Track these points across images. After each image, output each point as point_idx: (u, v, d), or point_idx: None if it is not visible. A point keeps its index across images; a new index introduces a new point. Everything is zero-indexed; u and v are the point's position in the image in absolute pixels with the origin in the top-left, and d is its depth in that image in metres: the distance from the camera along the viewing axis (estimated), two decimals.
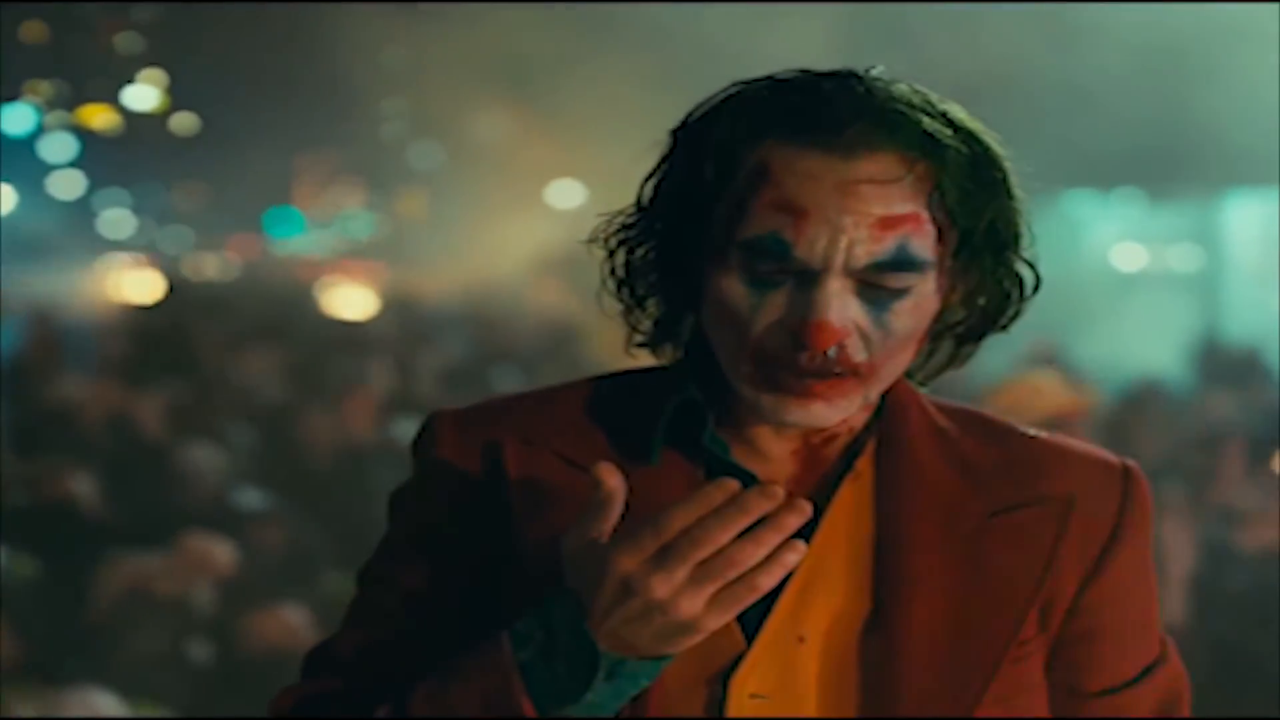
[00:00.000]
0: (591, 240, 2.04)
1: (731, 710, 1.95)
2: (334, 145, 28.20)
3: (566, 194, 24.18)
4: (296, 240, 31.76)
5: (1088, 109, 15.99)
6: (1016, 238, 1.96)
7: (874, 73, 1.95)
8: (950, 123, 1.91)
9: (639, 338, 2.07)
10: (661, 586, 1.78)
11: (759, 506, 1.79)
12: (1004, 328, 2.02)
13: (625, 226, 2.03)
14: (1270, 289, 19.58)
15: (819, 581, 1.97)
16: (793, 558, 1.79)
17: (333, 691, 2.02)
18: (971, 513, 1.97)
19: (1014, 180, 1.95)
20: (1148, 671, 2.04)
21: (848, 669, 1.95)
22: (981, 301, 1.98)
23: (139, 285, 21.72)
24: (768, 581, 1.79)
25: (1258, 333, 17.46)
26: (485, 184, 23.04)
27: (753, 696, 1.95)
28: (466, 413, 2.09)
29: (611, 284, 2.05)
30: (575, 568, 1.84)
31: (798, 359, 1.88)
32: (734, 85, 1.98)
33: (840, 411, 1.93)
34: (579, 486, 1.94)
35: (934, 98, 1.94)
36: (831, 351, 1.87)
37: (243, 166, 27.11)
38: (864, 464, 2.00)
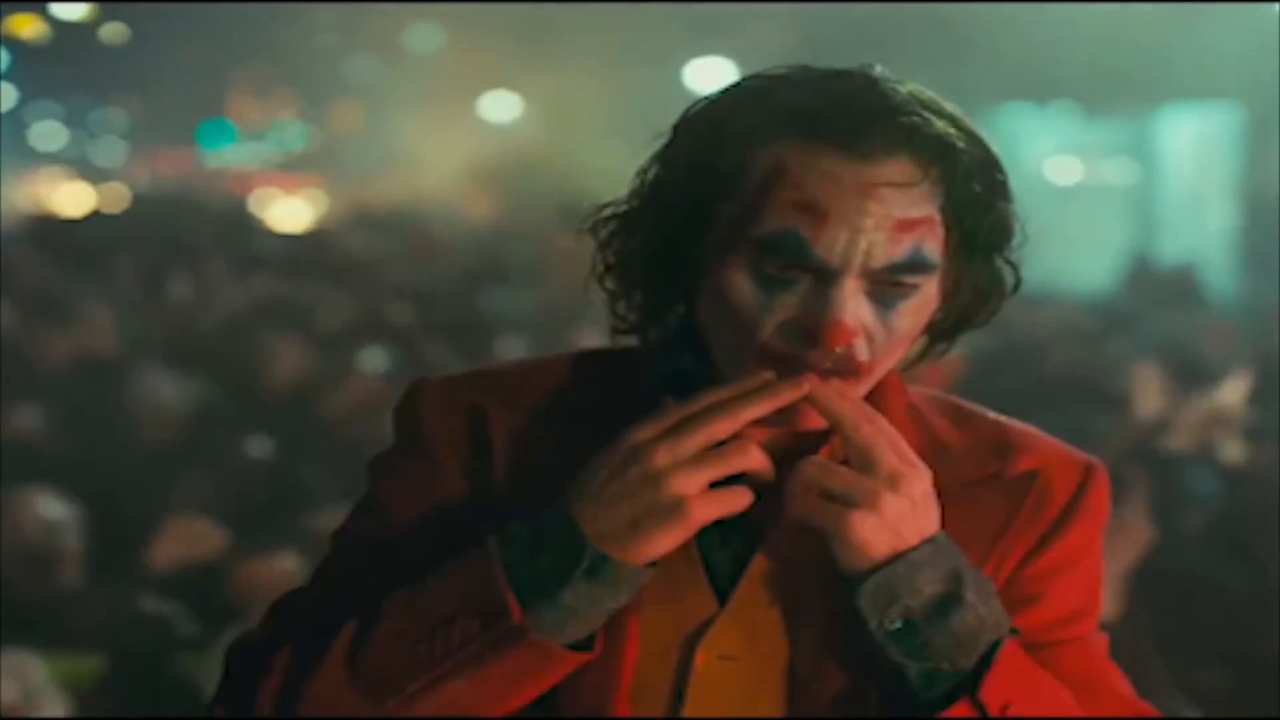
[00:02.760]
0: (583, 229, 2.03)
1: (699, 672, 1.96)
2: (267, 57, 28.01)
3: (501, 106, 24.10)
4: (229, 152, 31.63)
5: (1024, 22, 16.01)
6: (1008, 239, 1.98)
7: (879, 72, 1.95)
8: (957, 126, 1.92)
9: (622, 325, 2.05)
10: (664, 455, 1.82)
11: (788, 395, 1.85)
12: (981, 325, 2.04)
13: (619, 216, 2.01)
14: (1204, 203, 19.69)
15: (791, 546, 1.97)
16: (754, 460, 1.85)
17: (283, 635, 2.01)
18: (938, 485, 1.96)
19: (1009, 182, 1.97)
20: (1065, 642, 2.03)
21: (815, 632, 1.96)
22: (964, 300, 1.99)
23: (73, 198, 21.58)
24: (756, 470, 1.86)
25: (1191, 246, 17.57)
26: (418, 96, 22.95)
27: (721, 658, 1.96)
28: (450, 380, 2.08)
29: (600, 270, 2.03)
30: (596, 456, 1.88)
31: (807, 358, 1.88)
32: (742, 80, 1.97)
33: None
34: (564, 453, 1.95)
35: (939, 98, 1.95)
36: (840, 351, 1.88)
37: (175, 78, 26.91)
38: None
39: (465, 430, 2.03)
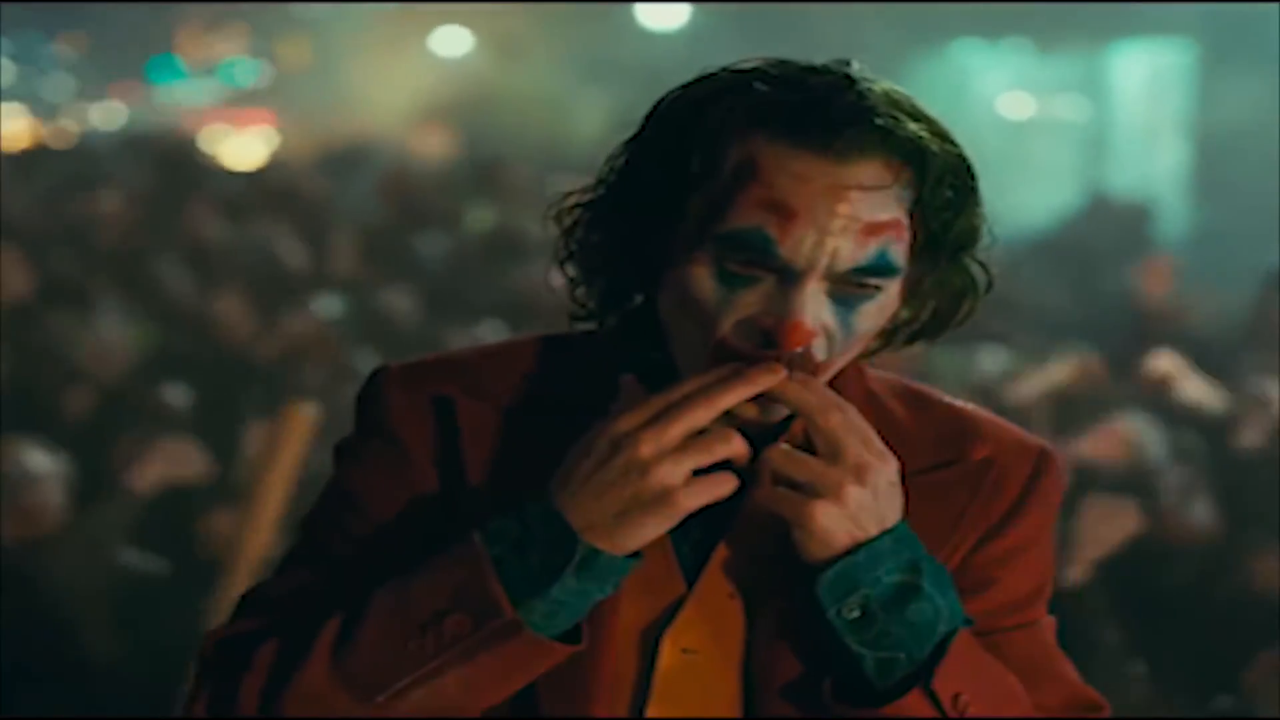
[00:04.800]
0: (548, 215, 2.04)
1: (663, 664, 1.98)
2: None
3: (452, 41, 23.97)
4: (179, 88, 31.44)
5: None
6: (975, 241, 2.00)
7: (855, 70, 1.95)
8: (931, 128, 1.93)
9: (581, 312, 2.07)
10: (649, 445, 1.85)
11: (762, 380, 1.87)
12: (959, 324, 2.06)
13: (584, 204, 2.03)
14: (1157, 139, 19.73)
15: (752, 537, 1.99)
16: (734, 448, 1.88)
17: (260, 630, 2.01)
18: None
19: (979, 184, 1.98)
20: (1015, 627, 2.06)
21: (774, 619, 1.99)
22: (933, 303, 2.02)
23: (22, 135, 21.44)
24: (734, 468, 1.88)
25: (1143, 182, 17.61)
26: (369, 31, 22.81)
27: (684, 651, 1.99)
28: (414, 367, 2.10)
29: (562, 256, 2.05)
30: (575, 447, 1.90)
31: (764, 357, 1.89)
32: (717, 71, 1.98)
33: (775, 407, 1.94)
34: (533, 443, 1.98)
35: (913, 98, 1.96)
36: (798, 352, 1.89)
37: (123, 14, 26.72)
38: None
39: (432, 420, 2.04)
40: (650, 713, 1.98)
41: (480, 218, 12.34)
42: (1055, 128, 20.56)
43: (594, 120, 18.23)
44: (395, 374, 2.08)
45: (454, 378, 2.06)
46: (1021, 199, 15.14)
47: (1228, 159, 16.79)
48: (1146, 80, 19.99)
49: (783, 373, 1.87)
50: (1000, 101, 20.51)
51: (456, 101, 20.76)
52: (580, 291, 2.05)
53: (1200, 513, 5.86)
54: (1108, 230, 13.32)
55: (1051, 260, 11.87)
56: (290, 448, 4.90)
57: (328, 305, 8.53)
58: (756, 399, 1.90)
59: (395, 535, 2.02)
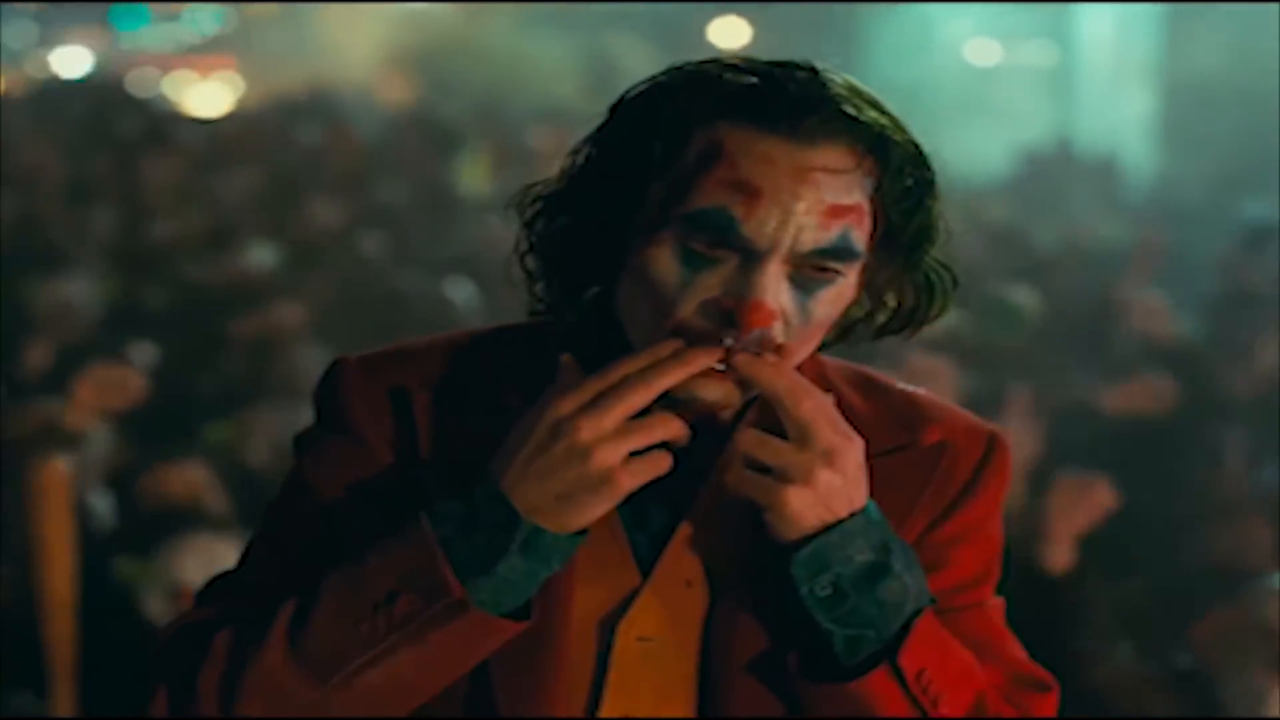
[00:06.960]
0: (510, 206, 2.05)
1: (618, 653, 2.01)
2: None
3: None
4: (142, 33, 31.35)
5: None
6: (933, 237, 2.01)
7: (821, 65, 1.97)
8: (894, 121, 1.95)
9: (539, 305, 2.08)
10: (588, 429, 1.87)
11: (700, 361, 1.89)
12: (921, 325, 2.08)
13: (545, 196, 2.03)
14: (1123, 86, 19.77)
15: (709, 526, 2.02)
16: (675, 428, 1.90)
17: (219, 617, 2.03)
18: None
19: (939, 180, 2.00)
20: (964, 608, 2.09)
21: (733, 602, 2.01)
22: (891, 298, 2.04)
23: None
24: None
25: (1110, 129, 17.64)
26: None
27: (640, 639, 2.01)
28: (372, 359, 2.11)
29: (523, 249, 2.06)
30: (516, 428, 1.93)
31: (724, 337, 1.91)
32: (680, 65, 1.99)
33: (748, 391, 1.96)
34: (488, 434, 1.99)
35: (876, 94, 1.98)
36: (757, 333, 1.90)
37: None
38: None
39: (389, 412, 2.06)
40: (607, 701, 2.01)
41: (474, 172, 12.28)
42: (1022, 74, 20.59)
43: (558, 69, 18.23)
44: (352, 365, 2.09)
45: (410, 369, 2.08)
46: (988, 145, 15.16)
47: (1195, 105, 16.83)
48: (1114, 26, 20.02)
49: (720, 353, 1.90)
50: (967, 48, 20.53)
51: (422, 49, 20.74)
52: (539, 286, 2.07)
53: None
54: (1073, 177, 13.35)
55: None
56: (55, 508, 4.74)
57: (261, 256, 8.48)
58: (732, 382, 1.92)
59: (354, 525, 2.02)
